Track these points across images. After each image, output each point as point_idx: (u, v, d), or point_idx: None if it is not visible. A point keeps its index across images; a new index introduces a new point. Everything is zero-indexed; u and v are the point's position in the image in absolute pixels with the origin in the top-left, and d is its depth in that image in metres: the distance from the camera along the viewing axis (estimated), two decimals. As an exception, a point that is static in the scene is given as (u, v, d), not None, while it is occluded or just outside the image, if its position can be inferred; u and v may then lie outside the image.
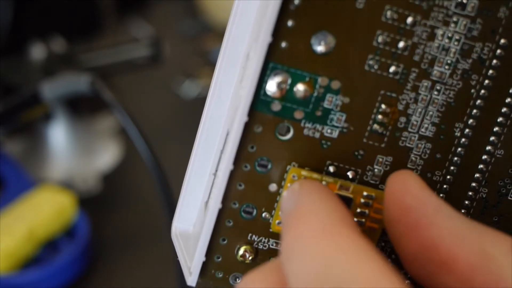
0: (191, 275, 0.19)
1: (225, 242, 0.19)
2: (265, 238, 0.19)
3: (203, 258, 0.18)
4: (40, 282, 0.36)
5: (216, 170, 0.18)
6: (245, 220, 0.18)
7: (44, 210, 0.38)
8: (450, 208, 0.16)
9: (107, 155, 0.47)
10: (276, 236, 0.19)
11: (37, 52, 0.44)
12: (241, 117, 0.17)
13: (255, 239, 0.19)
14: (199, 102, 0.56)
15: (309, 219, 0.15)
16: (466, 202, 0.19)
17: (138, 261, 0.40)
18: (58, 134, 0.46)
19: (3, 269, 0.35)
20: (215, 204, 0.18)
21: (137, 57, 0.47)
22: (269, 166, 0.18)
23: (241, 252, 0.19)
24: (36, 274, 0.36)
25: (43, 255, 0.38)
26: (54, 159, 0.45)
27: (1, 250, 0.35)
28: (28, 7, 0.49)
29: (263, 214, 0.18)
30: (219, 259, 0.19)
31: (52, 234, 0.38)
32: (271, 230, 0.19)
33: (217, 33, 0.65)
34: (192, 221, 0.20)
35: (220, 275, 0.19)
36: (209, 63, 0.60)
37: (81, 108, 0.47)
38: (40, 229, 0.37)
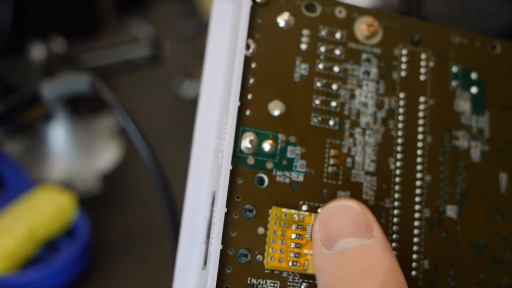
0: None
1: None
2: (262, 280, 0.21)
3: None
4: (40, 282, 0.36)
5: (210, 223, 0.22)
6: (242, 264, 0.21)
7: (44, 210, 0.38)
8: None
9: (107, 155, 0.47)
10: (270, 275, 0.21)
11: (37, 52, 0.44)
12: (226, 169, 0.21)
13: (254, 282, 0.21)
14: (199, 102, 0.56)
15: None
16: (416, 223, 0.23)
17: (138, 261, 0.40)
18: (58, 134, 0.45)
19: (3, 269, 0.35)
20: (216, 249, 0.20)
21: (137, 57, 0.47)
22: (254, 212, 0.21)
23: None
24: (36, 274, 0.36)
25: (43, 255, 0.38)
26: (54, 159, 0.45)
27: (1, 250, 0.35)
28: (28, 7, 0.49)
29: (257, 257, 0.21)
30: None
31: (52, 234, 0.38)
32: (266, 270, 0.21)
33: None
34: None
35: None
36: (209, 63, 0.60)
37: (81, 108, 0.47)
38: (40, 229, 0.37)
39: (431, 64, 0.24)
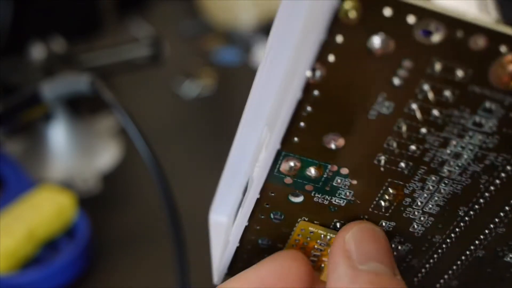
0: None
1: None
2: None
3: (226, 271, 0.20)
4: (40, 282, 0.36)
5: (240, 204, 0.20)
6: (262, 247, 0.20)
7: (44, 210, 0.38)
8: None
9: (107, 155, 0.47)
10: None
11: (37, 52, 0.44)
12: (254, 193, 0.18)
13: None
14: (199, 102, 0.56)
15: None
16: (463, 257, 0.20)
17: (138, 261, 0.40)
18: (58, 134, 0.46)
19: (3, 269, 0.35)
20: (232, 247, 0.20)
21: (137, 57, 0.47)
22: (282, 217, 0.19)
23: None
24: (36, 274, 0.36)
25: (43, 255, 0.38)
26: (54, 159, 0.45)
27: (1, 250, 0.35)
28: (28, 7, 0.49)
29: (278, 245, 0.20)
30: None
31: (52, 234, 0.38)
32: None
33: (217, 33, 0.64)
34: (227, 212, 0.22)
35: None
36: (209, 63, 0.60)
37: (81, 108, 0.47)
38: (40, 229, 0.37)
39: None
